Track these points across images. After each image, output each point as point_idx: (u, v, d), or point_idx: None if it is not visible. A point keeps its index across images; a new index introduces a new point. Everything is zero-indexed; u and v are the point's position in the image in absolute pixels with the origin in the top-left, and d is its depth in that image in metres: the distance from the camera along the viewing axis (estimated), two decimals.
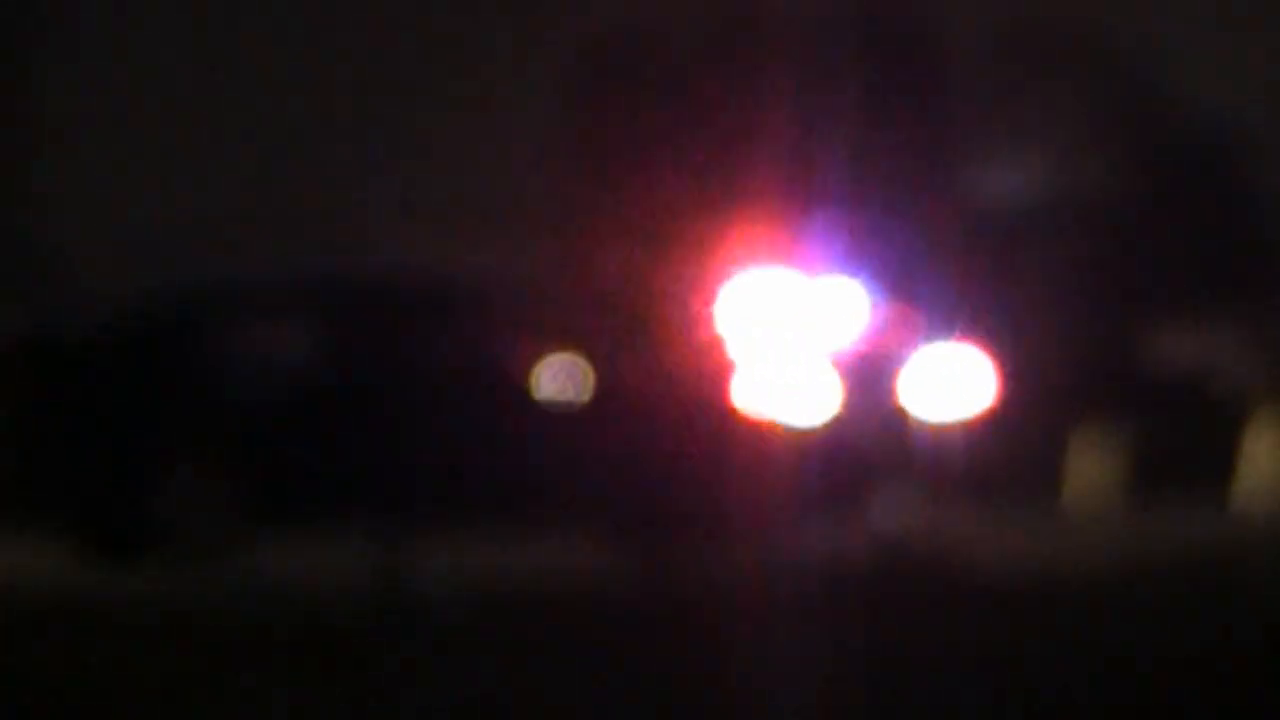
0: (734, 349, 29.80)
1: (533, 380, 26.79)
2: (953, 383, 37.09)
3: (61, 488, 26.79)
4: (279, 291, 29.82)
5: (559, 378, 26.82)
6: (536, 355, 26.59)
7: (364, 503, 24.94)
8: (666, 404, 26.47)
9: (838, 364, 31.47)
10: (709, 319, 30.75)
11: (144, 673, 13.86)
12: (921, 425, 36.17)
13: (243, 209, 46.84)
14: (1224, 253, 50.70)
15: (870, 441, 30.24)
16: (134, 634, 17.77)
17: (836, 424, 28.50)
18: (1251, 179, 52.54)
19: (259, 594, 21.66)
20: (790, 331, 33.22)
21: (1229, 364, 44.29)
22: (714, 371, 28.22)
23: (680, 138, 37.10)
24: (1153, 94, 55.36)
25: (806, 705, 11.06)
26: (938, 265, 37.70)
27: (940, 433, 36.51)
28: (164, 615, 19.88)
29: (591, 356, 26.80)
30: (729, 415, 26.17)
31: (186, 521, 25.52)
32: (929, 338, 37.58)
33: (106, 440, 26.42)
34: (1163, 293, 47.05)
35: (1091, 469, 40.21)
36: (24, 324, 32.27)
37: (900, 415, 35.04)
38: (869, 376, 34.23)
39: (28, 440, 27.10)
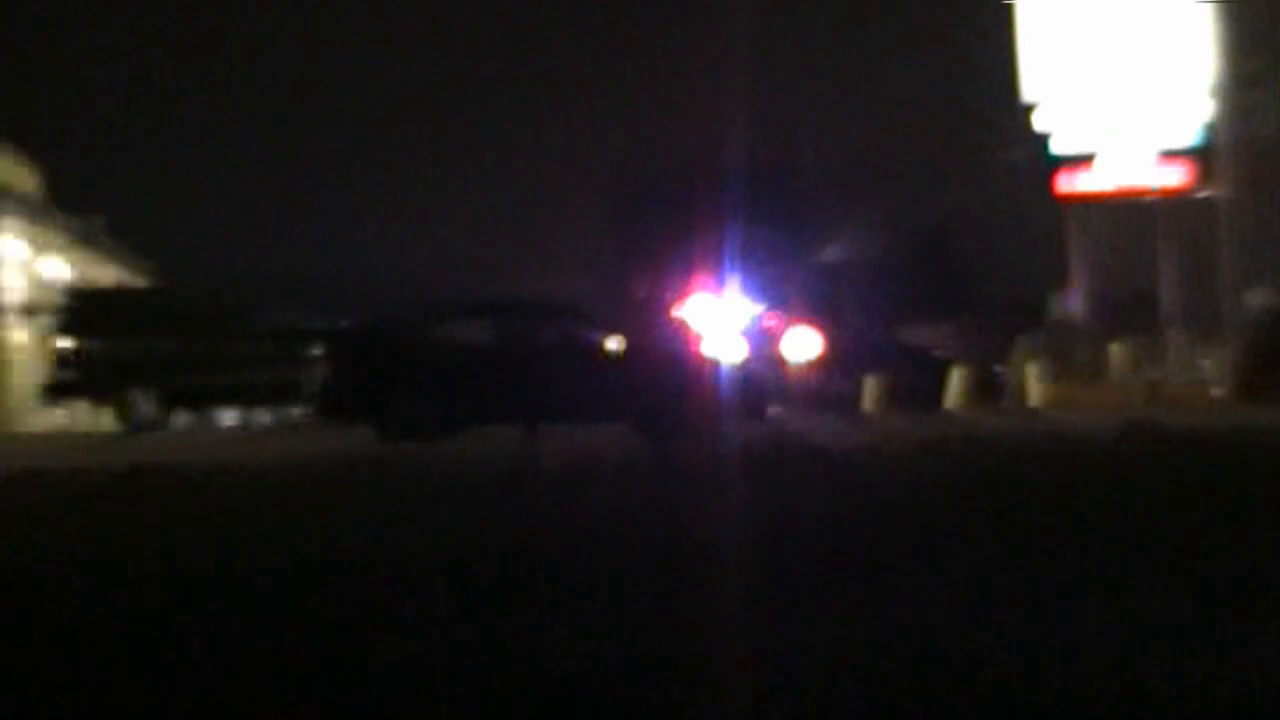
0: (698, 330, 41.91)
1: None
2: (800, 345, 47.15)
3: (368, 403, 35.94)
4: (467, 306, 40.51)
5: None
6: (600, 337, 36.90)
7: (508, 411, 34.58)
8: (662, 357, 37.71)
9: (747, 336, 45.47)
10: (685, 316, 42.88)
11: (402, 487, 24.03)
12: (786, 365, 46.48)
13: (457, 278, 59.79)
14: (937, 288, 68.20)
15: (762, 373, 41.41)
16: (394, 470, 27.81)
17: (746, 364, 41.21)
18: (953, 253, 72.23)
19: (459, 456, 29.60)
20: (725, 320, 42.70)
21: (939, 342, 56.23)
22: (687, 340, 40.63)
23: (670, 234, 52.50)
24: (899, 212, 74.88)
25: (738, 501, 20.95)
26: (796, 291, 50.64)
27: (796, 369, 46.01)
28: (412, 464, 28.90)
29: (624, 335, 36.61)
30: (697, 360, 37.62)
31: (423, 423, 34.18)
32: (789, 323, 47.00)
33: (395, 378, 35.60)
34: (907, 307, 62.55)
35: (870, 394, 48.19)
36: (357, 323, 42.02)
37: (778, 360, 45.43)
38: (762, 342, 45.31)
39: (356, 379, 36.39)
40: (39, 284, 49.88)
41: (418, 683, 10.26)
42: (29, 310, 46.77)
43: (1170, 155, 53.45)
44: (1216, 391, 47.84)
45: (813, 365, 46.91)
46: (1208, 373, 50.43)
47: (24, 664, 10.87)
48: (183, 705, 9.73)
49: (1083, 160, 52.53)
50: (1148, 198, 54.34)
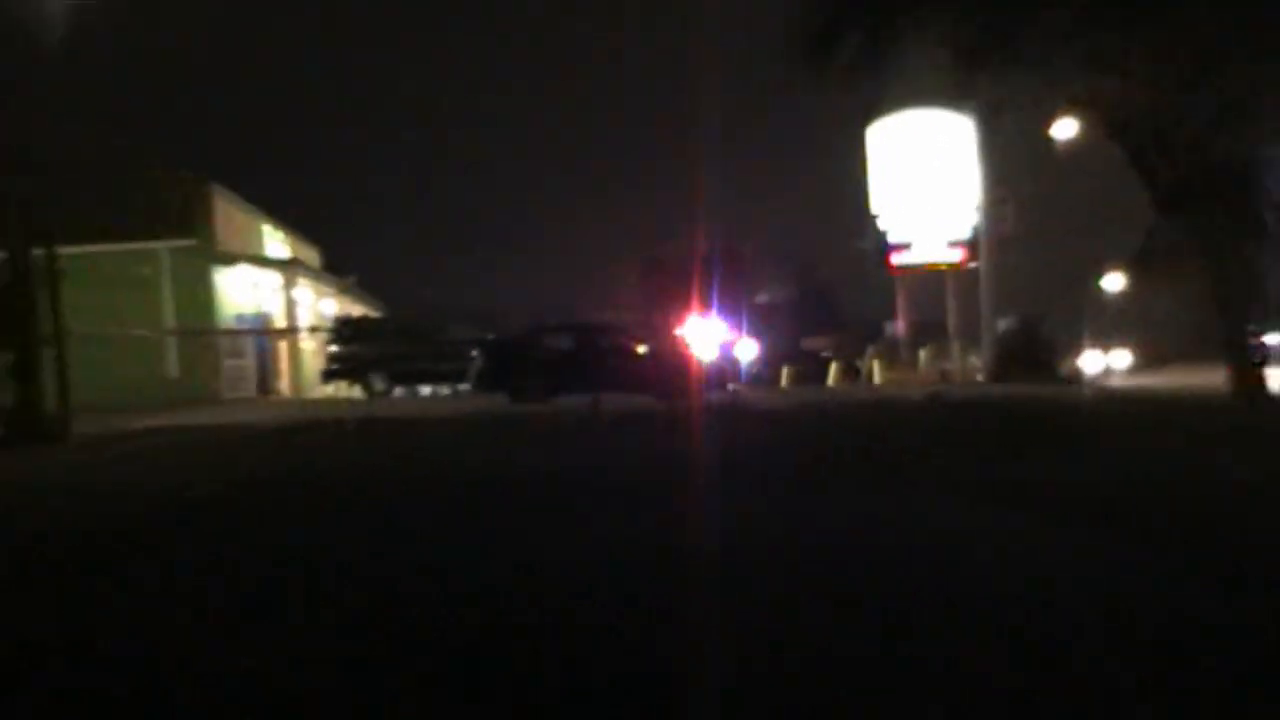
0: (689, 341, 38.92)
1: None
2: (745, 350, 45.03)
3: (511, 378, 35.13)
4: (557, 326, 38.45)
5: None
6: (634, 344, 36.07)
7: (581, 385, 32.93)
8: (668, 356, 36.43)
9: (716, 345, 41.05)
10: (682, 334, 40.59)
11: (522, 428, 24.82)
12: (738, 362, 43.24)
13: (552, 310, 55.15)
14: (821, 317, 61.79)
15: (724, 366, 38.31)
16: (520, 422, 27.66)
17: (716, 360, 38.47)
18: (831, 297, 61.47)
19: (554, 411, 29.86)
20: (704, 335, 40.29)
21: (823, 347, 53.53)
22: (683, 347, 38.46)
23: (674, 288, 47.52)
24: (801, 273, 70.44)
25: (713, 434, 21.37)
26: (743, 320, 45.52)
27: (744, 364, 44.15)
28: (527, 415, 28.84)
29: (647, 344, 36.19)
30: (687, 358, 36.18)
31: (538, 391, 33.94)
32: (739, 338, 45.21)
33: (518, 367, 35.43)
34: (805, 328, 57.40)
35: (784, 377, 48.60)
36: (497, 336, 40.29)
37: (733, 358, 41.86)
38: (724, 348, 41.31)
39: (496, 367, 36.09)
40: (319, 315, 50.39)
41: (550, 534, 11.35)
42: (313, 329, 47.18)
43: (953, 244, 52.64)
44: (979, 375, 47.85)
45: (752, 361, 46.50)
46: (973, 365, 50.49)
47: (327, 521, 12.08)
48: (460, 534, 11.07)
49: (904, 246, 51.54)
50: (941, 268, 53.26)
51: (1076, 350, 54.33)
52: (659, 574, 9.22)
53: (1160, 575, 8.17)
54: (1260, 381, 22.49)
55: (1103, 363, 19.86)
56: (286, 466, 19.23)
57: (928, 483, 13.86)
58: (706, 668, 6.46)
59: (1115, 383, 39.13)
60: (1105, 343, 48.21)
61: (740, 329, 43.10)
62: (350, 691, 6.18)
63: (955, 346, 52.06)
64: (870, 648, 6.52)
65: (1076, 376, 45.37)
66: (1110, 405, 27.21)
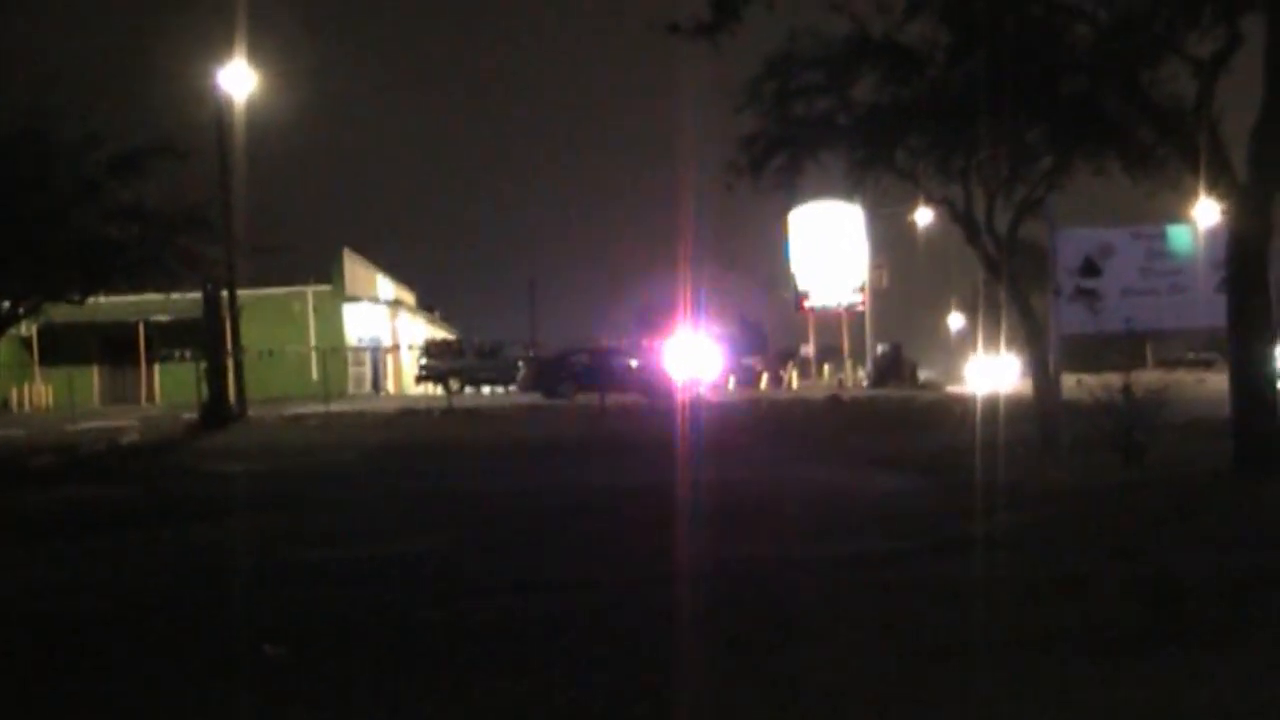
0: (668, 358, 36.55)
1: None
2: (710, 366, 38.60)
3: (546, 383, 34.14)
4: (578, 349, 38.04)
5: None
6: (630, 360, 35.81)
7: (595, 387, 30.43)
8: (653, 368, 35.21)
9: (687, 360, 37.02)
10: (663, 352, 36.94)
11: (555, 416, 25.48)
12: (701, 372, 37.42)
13: (576, 338, 53.30)
14: (758, 343, 57.78)
15: (690, 376, 34.32)
16: (552, 410, 28.19)
17: (685, 371, 34.48)
18: (763, 330, 59.01)
19: (577, 404, 29.76)
20: (679, 356, 36.14)
21: (757, 363, 50.93)
22: (662, 362, 35.90)
23: (656, 323, 45.12)
24: (745, 313, 63.16)
25: (684, 421, 22.22)
26: (706, 345, 40.19)
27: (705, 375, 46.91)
28: (558, 407, 29.39)
29: (639, 360, 35.72)
30: (665, 370, 34.56)
31: (564, 391, 32.42)
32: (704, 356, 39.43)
33: (551, 375, 34.71)
34: (746, 351, 52.64)
35: (729, 383, 43.98)
36: (538, 353, 40.62)
37: (697, 370, 35.43)
38: (691, 363, 35.70)
39: (537, 375, 35.46)
40: (413, 337, 49.87)
41: (563, 480, 12.14)
42: (411, 347, 46.14)
43: (850, 294, 52.92)
44: (863, 383, 46.59)
45: (710, 372, 45.76)
46: (859, 376, 49.39)
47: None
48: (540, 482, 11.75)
49: (809, 295, 51.78)
50: (837, 310, 52.81)
51: (945, 365, 54.19)
52: (632, 486, 10.28)
53: (938, 494, 9.58)
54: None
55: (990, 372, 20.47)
56: (399, 437, 19.89)
57: (823, 448, 14.54)
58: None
59: (956, 388, 39.34)
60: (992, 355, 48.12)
61: (703, 350, 42.83)
62: (460, 538, 7.97)
63: (848, 363, 52.36)
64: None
65: (927, 383, 45.25)
66: (946, 403, 27.43)
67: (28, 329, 31.88)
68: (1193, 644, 4.82)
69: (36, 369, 37.86)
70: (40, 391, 37.61)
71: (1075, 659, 4.64)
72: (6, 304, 21.43)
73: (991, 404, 18.08)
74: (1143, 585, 5.75)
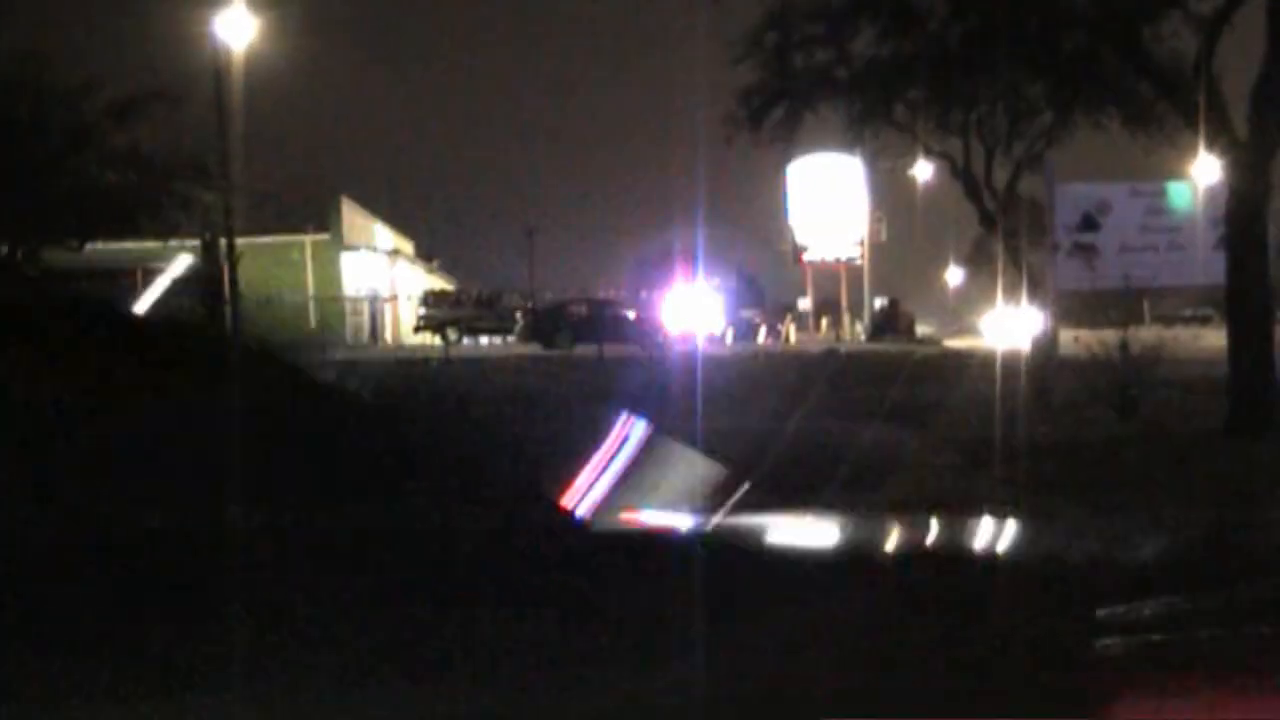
0: (665, 310, 37.18)
1: None
2: (709, 319, 37.88)
3: (544, 334, 34.41)
4: (576, 300, 38.41)
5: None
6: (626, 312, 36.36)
7: (593, 338, 30.63)
8: (649, 320, 35.77)
9: (685, 312, 39.92)
10: (660, 304, 37.28)
11: (555, 365, 26.32)
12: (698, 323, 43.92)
13: (575, 289, 51.69)
14: (755, 297, 55.20)
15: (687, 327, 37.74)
16: (550, 360, 28.51)
17: (682, 322, 36.12)
18: (759, 284, 56.38)
19: (575, 354, 29.79)
20: (674, 310, 36.76)
21: (754, 317, 50.00)
22: (659, 314, 36.65)
23: (653, 279, 43.02)
24: (741, 267, 70.75)
25: (680, 367, 24.80)
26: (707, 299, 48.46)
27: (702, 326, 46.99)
28: (558, 358, 29.34)
29: (635, 312, 36.18)
30: (661, 322, 35.34)
31: (562, 343, 32.80)
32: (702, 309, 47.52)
33: (550, 325, 34.88)
34: (744, 304, 51.15)
35: (728, 336, 44.78)
36: (538, 304, 40.50)
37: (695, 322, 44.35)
38: (689, 314, 37.63)
39: (536, 325, 35.77)
40: (412, 286, 49.30)
41: (568, 412, 12.18)
42: (410, 297, 46.10)
43: (849, 248, 52.86)
44: (861, 337, 46.93)
45: (709, 325, 45.61)
46: (857, 330, 49.85)
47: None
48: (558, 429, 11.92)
49: (808, 249, 51.80)
50: (828, 264, 53.22)
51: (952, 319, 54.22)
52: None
53: (924, 446, 9.87)
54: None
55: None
56: (399, 384, 19.75)
57: (820, 400, 14.39)
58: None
59: (954, 342, 39.36)
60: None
61: (701, 303, 42.72)
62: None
63: (845, 317, 52.32)
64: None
65: (925, 338, 45.23)
66: (942, 358, 27.45)
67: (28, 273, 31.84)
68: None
69: None
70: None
71: None
72: (4, 249, 21.40)
73: (990, 359, 18.04)
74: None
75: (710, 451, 2.76)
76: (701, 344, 34.03)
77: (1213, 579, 1.77)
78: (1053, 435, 11.01)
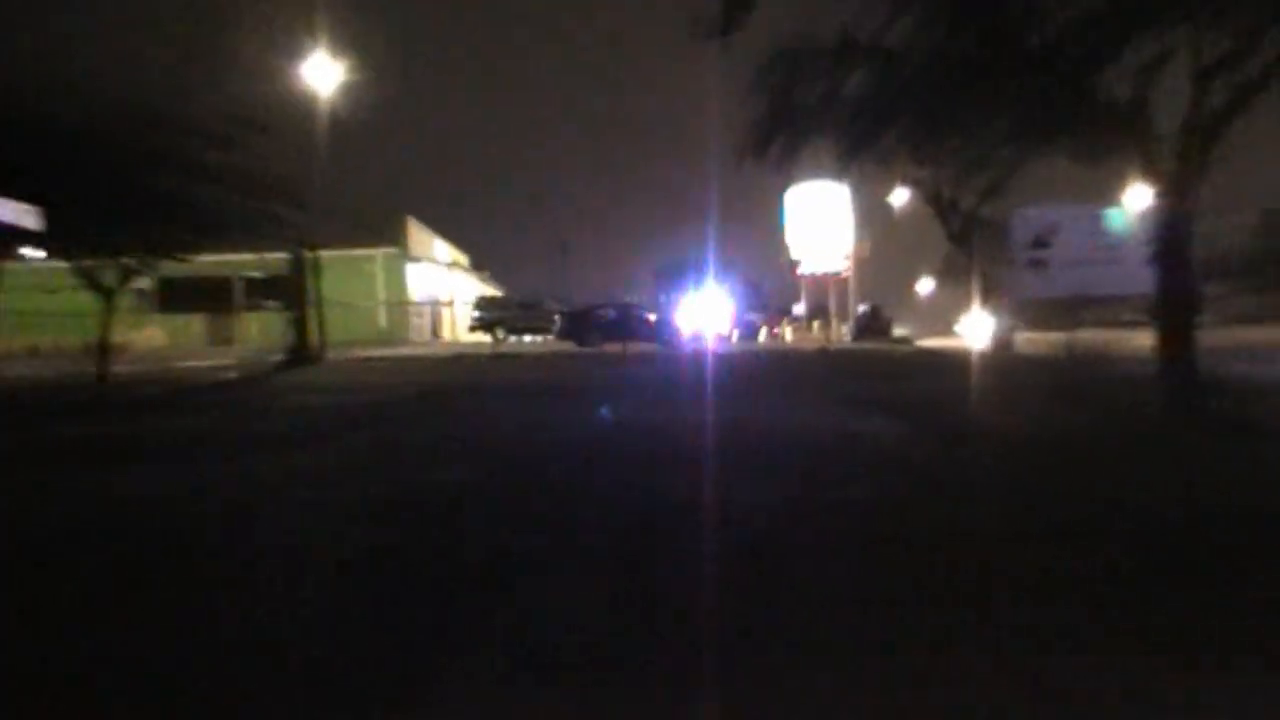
0: (680, 315, 37.42)
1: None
2: (718, 321, 39.87)
3: (577, 333, 34.22)
4: (605, 305, 37.19)
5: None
6: (649, 315, 35.89)
7: (619, 338, 31.43)
8: (668, 322, 35.62)
9: (698, 315, 39.71)
10: (677, 308, 37.18)
11: (583, 362, 25.65)
12: (709, 325, 39.61)
13: (604, 296, 52.94)
14: (760, 302, 54.31)
15: (701, 328, 37.12)
16: (583, 357, 27.84)
17: (696, 324, 36.89)
18: (767, 291, 54.33)
19: (604, 352, 29.15)
20: (687, 314, 37.01)
21: (758, 319, 49.86)
22: (676, 316, 36.57)
23: (670, 287, 43.86)
24: (748, 275, 68.51)
25: (693, 363, 23.88)
26: (715, 303, 42.12)
27: (713, 328, 47.16)
28: (588, 354, 28.65)
29: (655, 310, 36.13)
30: (679, 324, 35.37)
31: (593, 341, 32.73)
32: (713, 312, 40.99)
33: (583, 326, 34.51)
34: (749, 308, 50.24)
35: (733, 337, 45.16)
36: (571, 308, 38.79)
37: (706, 323, 38.23)
38: (702, 317, 38.73)
39: (570, 326, 35.08)
40: (470, 294, 49.31)
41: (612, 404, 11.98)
42: (465, 302, 46.09)
43: (837, 262, 52.50)
44: (846, 338, 46.58)
45: (719, 326, 45.77)
46: (843, 332, 49.39)
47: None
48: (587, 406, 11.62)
49: (801, 263, 51.54)
50: (826, 275, 52.63)
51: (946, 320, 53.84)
52: (650, 421, 10.19)
53: (904, 433, 9.42)
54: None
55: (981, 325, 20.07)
56: (454, 377, 19.98)
57: (813, 392, 14.51)
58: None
59: (926, 343, 39.16)
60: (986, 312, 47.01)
61: (711, 306, 42.57)
62: (491, 470, 7.32)
63: (834, 321, 52.10)
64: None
65: (901, 339, 45.07)
66: (918, 356, 27.38)
67: (144, 282, 31.83)
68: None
69: (151, 316, 38.95)
70: (155, 335, 38.63)
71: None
72: (128, 261, 21.77)
73: (957, 356, 18.08)
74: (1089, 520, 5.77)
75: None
76: (711, 342, 34.19)
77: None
78: (1016, 424, 11.02)
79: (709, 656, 3.54)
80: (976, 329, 28.40)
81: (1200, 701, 3.13)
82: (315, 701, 3.29)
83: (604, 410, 11.82)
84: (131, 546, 5.48)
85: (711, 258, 44.68)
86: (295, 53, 27.32)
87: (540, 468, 8.09)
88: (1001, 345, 16.21)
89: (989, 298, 17.17)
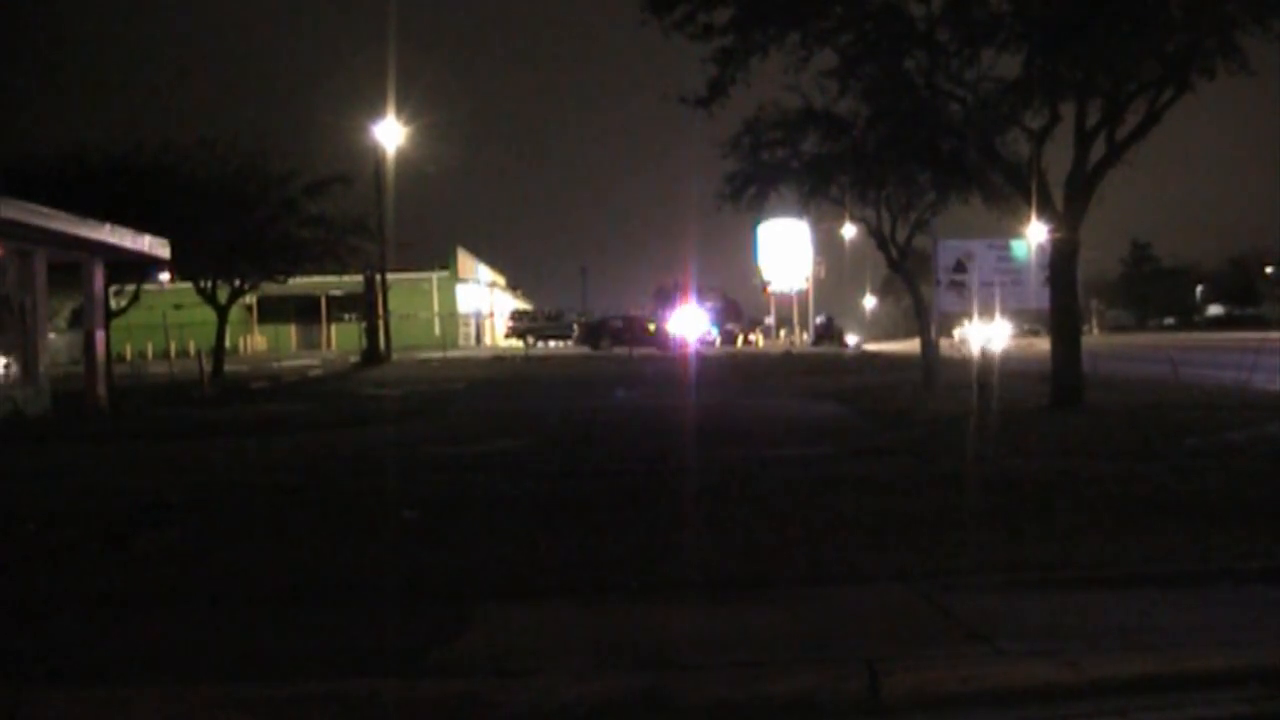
0: (677, 323, 35.50)
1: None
2: (700, 330, 38.14)
3: (592, 340, 32.81)
4: (615, 316, 36.71)
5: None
6: (650, 324, 34.21)
7: (627, 343, 30.19)
8: (666, 330, 33.88)
9: (689, 325, 36.91)
10: (674, 319, 35.04)
11: (598, 363, 25.76)
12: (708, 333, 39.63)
13: (616, 308, 51.50)
14: (734, 315, 52.57)
15: (690, 336, 35.06)
16: (597, 358, 27.61)
17: (687, 332, 34.54)
18: (738, 307, 51.24)
19: (614, 354, 28.55)
20: (677, 323, 34.94)
21: (735, 328, 47.21)
22: (672, 325, 34.68)
23: (665, 303, 41.06)
24: (725, 294, 63.82)
25: (685, 365, 23.67)
26: (698, 316, 40.43)
27: (701, 335, 47.06)
28: (602, 357, 27.84)
29: (654, 321, 34.53)
30: (674, 331, 33.60)
31: (605, 345, 31.82)
32: (701, 322, 38.32)
33: (597, 333, 33.80)
34: (725, 319, 47.79)
35: (715, 342, 44.28)
36: (589, 318, 38.61)
37: (696, 332, 36.57)
38: (692, 326, 36.35)
39: (587, 333, 34.51)
40: (506, 308, 49.02)
41: (607, 400, 12.07)
42: (502, 315, 45.93)
43: (799, 282, 52.58)
44: (808, 344, 46.93)
45: (705, 334, 45.05)
46: (805, 339, 49.34)
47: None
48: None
49: (770, 283, 51.65)
50: (790, 293, 52.13)
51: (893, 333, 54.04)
52: (652, 406, 10.30)
53: (849, 416, 9.71)
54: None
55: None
56: (495, 373, 20.08)
57: (775, 385, 14.59)
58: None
59: (871, 347, 39.08)
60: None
61: (698, 318, 42.17)
62: (532, 442, 7.52)
63: (796, 329, 52.25)
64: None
65: (851, 345, 44.89)
66: (862, 357, 27.50)
67: (250, 299, 32.26)
68: (1018, 515, 5.09)
69: (255, 326, 39.34)
70: (257, 341, 39.07)
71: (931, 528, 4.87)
72: (239, 282, 22.29)
73: (894, 358, 18.20)
74: (991, 480, 6.03)
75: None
76: (698, 346, 34.10)
77: None
78: (938, 409, 11.14)
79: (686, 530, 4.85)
80: (904, 336, 28.42)
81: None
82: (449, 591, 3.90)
83: (618, 392, 11.97)
84: (314, 478, 6.54)
85: (696, 280, 44.34)
86: (371, 115, 27.18)
87: (572, 435, 8.65)
88: (929, 348, 16.30)
89: (919, 311, 17.27)
